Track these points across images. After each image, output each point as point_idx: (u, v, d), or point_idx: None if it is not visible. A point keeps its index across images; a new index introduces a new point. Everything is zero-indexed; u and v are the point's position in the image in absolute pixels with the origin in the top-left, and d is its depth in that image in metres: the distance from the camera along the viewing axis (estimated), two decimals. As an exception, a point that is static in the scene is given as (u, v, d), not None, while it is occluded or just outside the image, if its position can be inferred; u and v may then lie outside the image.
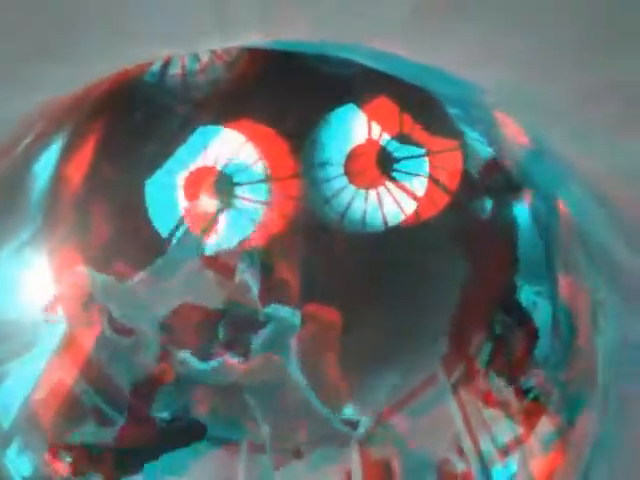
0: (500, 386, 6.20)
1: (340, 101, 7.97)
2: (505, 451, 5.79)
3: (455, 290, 8.40)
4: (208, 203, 8.81)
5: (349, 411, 7.11)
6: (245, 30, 3.79)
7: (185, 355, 7.35)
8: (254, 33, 3.99)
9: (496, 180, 7.23)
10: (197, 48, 6.46)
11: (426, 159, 7.44)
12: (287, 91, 7.87)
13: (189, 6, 3.09)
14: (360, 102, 7.48)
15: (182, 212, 8.55)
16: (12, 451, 5.99)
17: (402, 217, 7.82)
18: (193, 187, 8.99)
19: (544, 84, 3.16)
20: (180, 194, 9.00)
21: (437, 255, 8.01)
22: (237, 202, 9.59)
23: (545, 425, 5.36)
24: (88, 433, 6.53)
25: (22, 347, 6.28)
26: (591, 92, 2.87)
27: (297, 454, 7.61)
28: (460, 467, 6.31)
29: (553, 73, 2.99)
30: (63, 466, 6.58)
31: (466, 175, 7.72)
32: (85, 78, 4.39)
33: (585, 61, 2.74)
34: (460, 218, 8.07)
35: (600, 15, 2.30)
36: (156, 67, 8.13)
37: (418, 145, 7.29)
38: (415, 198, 7.30)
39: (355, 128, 8.10)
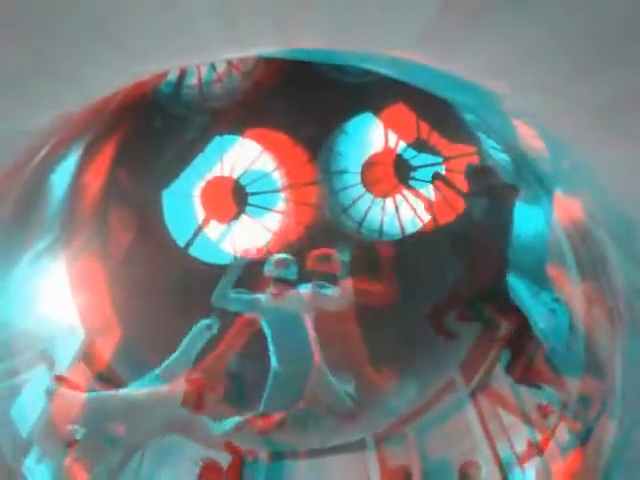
0: (518, 393, 6.12)
1: (357, 110, 7.89)
2: (524, 457, 5.73)
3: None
4: (225, 212, 8.65)
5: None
6: (260, 40, 3.75)
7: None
8: (269, 43, 3.95)
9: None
10: (213, 58, 6.40)
11: (443, 166, 7.33)
12: (304, 100, 7.79)
13: (204, 17, 3.06)
14: (377, 110, 7.39)
15: (199, 221, 8.46)
16: (31, 459, 5.95)
17: (419, 224, 7.70)
18: (210, 196, 8.89)
19: (559, 92, 3.13)
20: (197, 203, 8.90)
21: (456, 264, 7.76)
22: (254, 210, 9.46)
23: (564, 431, 5.31)
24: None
25: (39, 357, 6.21)
26: (609, 101, 2.86)
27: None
28: (480, 474, 6.20)
29: (569, 82, 2.97)
30: (82, 473, 6.51)
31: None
32: (101, 91, 4.36)
33: (602, 70, 2.73)
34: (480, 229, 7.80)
35: (618, 26, 2.29)
36: (172, 78, 8.09)
37: (435, 151, 7.19)
38: (432, 205, 7.18)
39: (372, 136, 7.98)
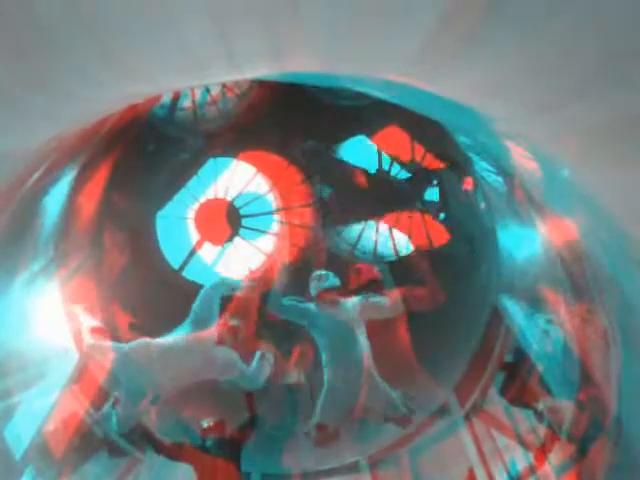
0: (513, 415, 6.11)
1: (351, 132, 7.92)
2: (519, 479, 5.71)
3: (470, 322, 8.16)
4: (219, 234, 8.70)
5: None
6: (254, 63, 3.77)
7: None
8: (264, 64, 3.97)
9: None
10: (208, 81, 6.42)
11: (437, 187, 7.36)
12: (298, 123, 7.83)
13: (199, 41, 3.08)
14: (371, 133, 7.43)
15: (193, 243, 8.48)
16: (24, 481, 5.86)
17: (413, 246, 7.73)
18: (204, 219, 8.94)
19: (557, 112, 3.16)
20: (191, 225, 8.90)
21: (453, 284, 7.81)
22: (248, 233, 9.52)
23: (559, 453, 5.31)
24: (100, 463, 6.41)
25: (33, 378, 6.20)
26: (608, 121, 2.89)
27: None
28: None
29: (567, 101, 3.00)
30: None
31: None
32: (96, 112, 4.37)
33: (602, 90, 2.76)
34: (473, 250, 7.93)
35: (620, 44, 2.33)
36: (166, 100, 8.15)
37: (429, 174, 7.24)
38: (426, 227, 7.20)
39: (366, 159, 7.94)
